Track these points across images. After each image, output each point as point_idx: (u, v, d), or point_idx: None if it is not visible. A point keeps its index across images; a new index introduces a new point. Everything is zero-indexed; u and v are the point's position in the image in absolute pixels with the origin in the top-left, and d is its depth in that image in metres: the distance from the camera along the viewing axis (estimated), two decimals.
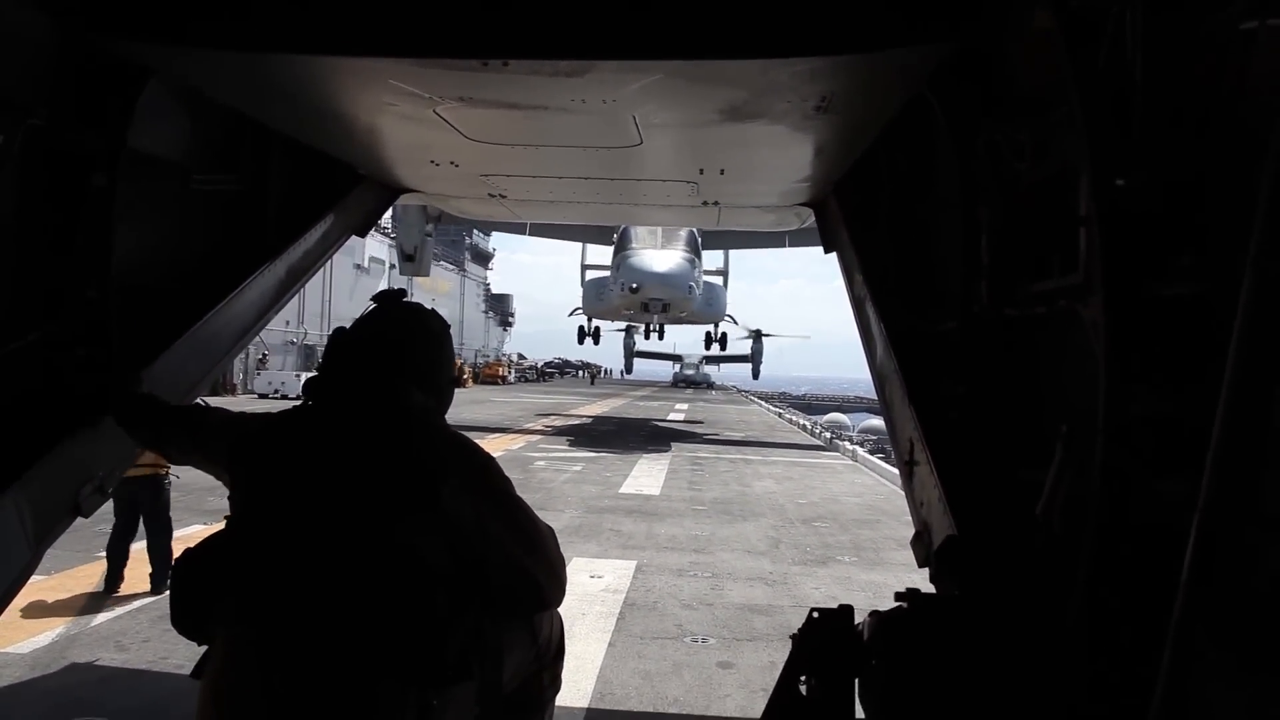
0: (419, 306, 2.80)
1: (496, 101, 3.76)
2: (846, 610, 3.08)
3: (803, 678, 3.03)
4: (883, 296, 4.62)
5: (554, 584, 2.67)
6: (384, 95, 3.74)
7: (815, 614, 3.08)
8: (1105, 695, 2.28)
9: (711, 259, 39.64)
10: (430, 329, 2.73)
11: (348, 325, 2.72)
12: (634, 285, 32.30)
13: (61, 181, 3.49)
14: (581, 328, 46.54)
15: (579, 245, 42.15)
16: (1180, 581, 1.78)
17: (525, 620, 2.73)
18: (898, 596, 3.04)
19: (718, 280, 41.03)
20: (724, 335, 49.84)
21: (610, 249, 35.28)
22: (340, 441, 2.46)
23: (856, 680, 3.00)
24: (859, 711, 3.02)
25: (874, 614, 3.03)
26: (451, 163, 5.12)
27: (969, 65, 3.35)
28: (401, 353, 2.62)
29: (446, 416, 2.75)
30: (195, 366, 4.39)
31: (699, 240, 33.90)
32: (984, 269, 3.52)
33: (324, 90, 3.87)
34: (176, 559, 2.47)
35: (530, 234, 32.19)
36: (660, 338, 41.50)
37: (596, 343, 48.20)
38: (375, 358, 2.60)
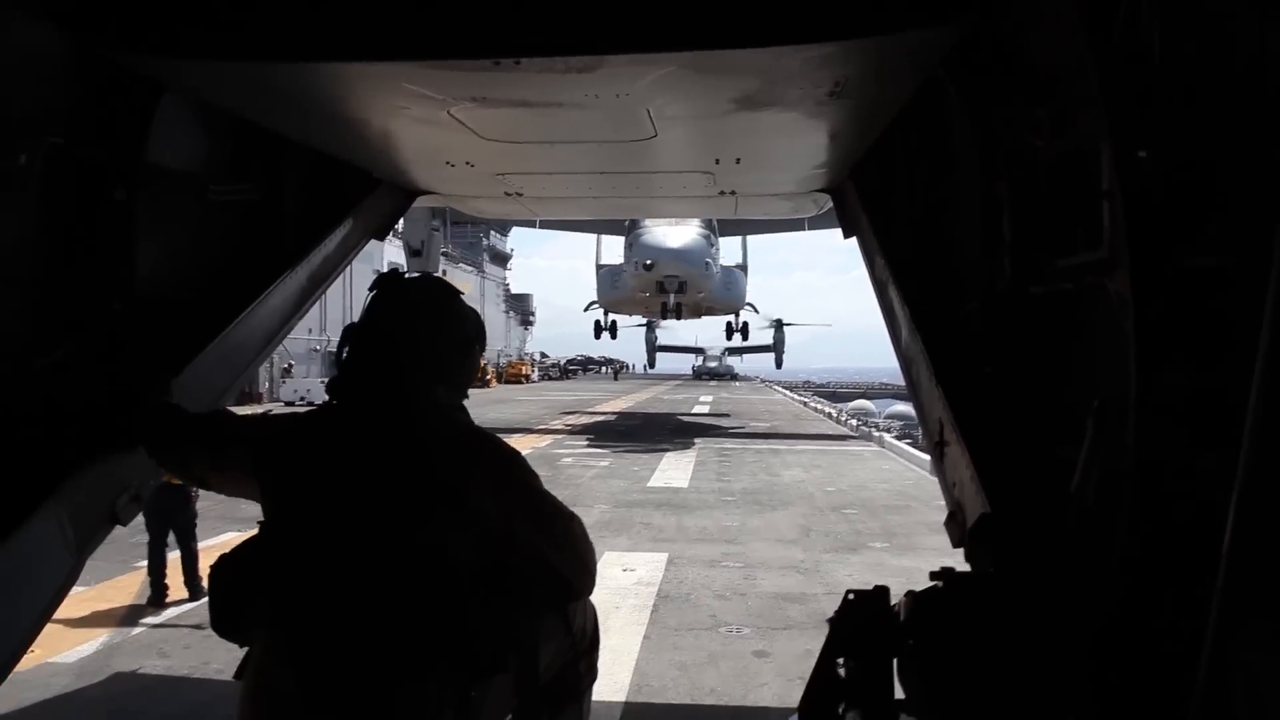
0: (418, 281, 2.79)
1: (510, 100, 3.76)
2: (882, 591, 3.08)
3: (840, 660, 3.03)
4: (905, 278, 4.58)
5: (583, 576, 2.68)
6: (397, 99, 3.75)
7: (851, 595, 3.08)
8: (1145, 667, 2.26)
9: (730, 250, 39.14)
10: (434, 298, 2.70)
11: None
12: (648, 262, 31.16)
13: (83, 198, 3.52)
14: (598, 322, 45.77)
15: (593, 250, 41.40)
16: (1221, 551, 1.76)
17: (559, 610, 2.74)
18: (933, 575, 3.03)
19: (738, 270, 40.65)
20: (745, 325, 49.36)
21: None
22: (366, 443, 2.48)
23: (895, 660, 3.00)
24: (898, 691, 3.01)
25: (910, 594, 3.02)
26: (467, 163, 5.12)
27: (983, 45, 3.32)
28: (415, 340, 2.59)
29: (473, 415, 2.74)
30: (221, 376, 4.42)
31: (715, 223, 32.90)
32: (1006, 247, 3.49)
33: (337, 96, 3.88)
34: (214, 563, 2.49)
35: (541, 226, 31.41)
36: (678, 317, 38.96)
37: (614, 336, 47.57)
38: (391, 350, 2.57)
